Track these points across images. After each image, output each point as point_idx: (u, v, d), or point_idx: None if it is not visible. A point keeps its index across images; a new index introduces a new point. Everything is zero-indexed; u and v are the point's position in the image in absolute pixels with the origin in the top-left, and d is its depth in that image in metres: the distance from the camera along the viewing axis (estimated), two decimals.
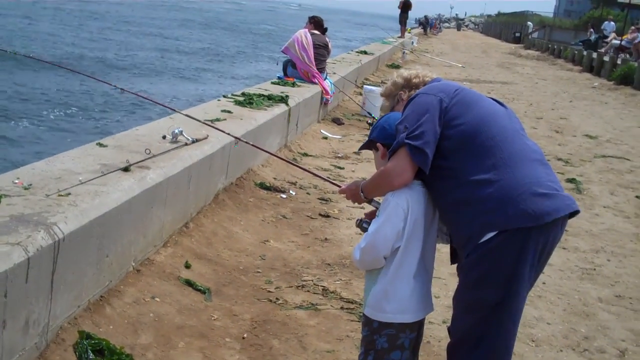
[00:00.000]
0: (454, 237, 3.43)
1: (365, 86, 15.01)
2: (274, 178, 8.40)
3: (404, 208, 3.31)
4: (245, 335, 4.69)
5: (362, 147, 3.73)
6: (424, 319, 3.56)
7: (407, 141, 3.24)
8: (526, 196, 3.14)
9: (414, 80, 3.75)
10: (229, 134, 5.83)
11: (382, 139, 3.51)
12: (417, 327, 3.47)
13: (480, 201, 3.19)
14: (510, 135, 3.33)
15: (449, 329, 3.54)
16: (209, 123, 6.45)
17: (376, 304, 3.40)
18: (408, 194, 3.33)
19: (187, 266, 5.41)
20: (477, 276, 3.24)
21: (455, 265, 3.57)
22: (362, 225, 3.56)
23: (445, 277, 5.78)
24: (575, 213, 3.28)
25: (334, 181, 4.69)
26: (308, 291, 5.50)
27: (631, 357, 5.15)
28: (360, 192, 3.61)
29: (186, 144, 6.17)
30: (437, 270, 3.62)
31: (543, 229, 3.16)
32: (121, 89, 5.78)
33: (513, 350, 3.44)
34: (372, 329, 3.43)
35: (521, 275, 3.21)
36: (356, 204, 3.97)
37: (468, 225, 3.23)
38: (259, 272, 5.76)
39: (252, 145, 5.63)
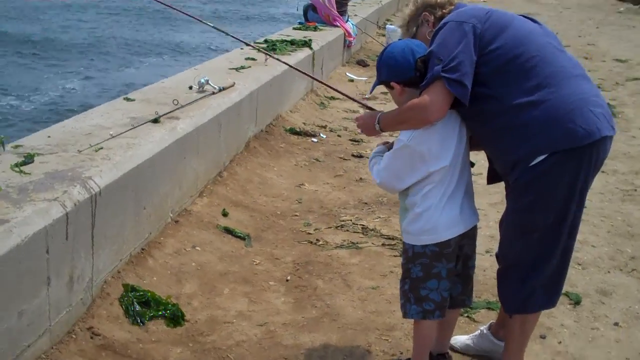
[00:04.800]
0: (498, 163, 3.33)
1: (387, 26, 14.81)
2: (304, 123, 8.33)
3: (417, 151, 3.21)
4: (288, 278, 4.67)
5: (372, 89, 3.56)
6: (471, 252, 3.49)
7: (443, 74, 3.07)
8: (573, 115, 3.03)
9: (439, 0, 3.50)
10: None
11: (394, 77, 3.29)
12: (454, 257, 3.37)
13: (526, 125, 3.08)
14: (549, 53, 3.18)
15: (497, 255, 3.47)
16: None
17: (409, 228, 3.34)
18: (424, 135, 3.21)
19: (225, 214, 5.38)
20: (530, 199, 3.15)
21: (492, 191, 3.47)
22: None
23: (485, 208, 5.70)
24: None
25: (367, 104, 4.39)
26: (347, 231, 5.46)
27: None
28: (375, 124, 3.42)
29: (213, 93, 6.10)
30: (475, 201, 3.53)
31: (593, 146, 3.05)
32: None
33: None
34: (407, 258, 3.38)
35: (574, 194, 3.13)
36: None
37: (515, 150, 3.13)
38: (296, 215, 5.73)
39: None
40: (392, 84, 3.31)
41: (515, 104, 3.09)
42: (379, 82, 3.41)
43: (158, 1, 5.14)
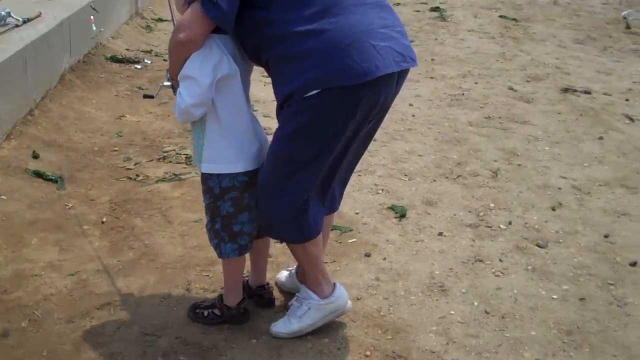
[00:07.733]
0: (278, 93, 3.02)
1: None
2: (127, 49, 7.90)
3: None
4: (104, 219, 4.40)
5: None
6: None
7: None
8: (351, 49, 2.76)
9: None
10: None
11: None
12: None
13: (303, 56, 2.81)
14: None
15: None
16: None
17: (215, 156, 3.12)
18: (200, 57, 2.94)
19: (35, 156, 5.01)
20: (293, 129, 2.93)
21: None
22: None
23: None
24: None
25: None
26: (170, 162, 5.22)
27: (503, 176, 5.16)
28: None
29: (17, 26, 5.65)
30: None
31: (372, 85, 2.82)
32: None
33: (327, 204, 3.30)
34: (214, 196, 3.17)
35: (342, 135, 2.93)
36: None
37: (291, 82, 2.86)
38: (115, 150, 5.42)
39: None
40: None
41: (294, 32, 2.81)
42: None
43: None
